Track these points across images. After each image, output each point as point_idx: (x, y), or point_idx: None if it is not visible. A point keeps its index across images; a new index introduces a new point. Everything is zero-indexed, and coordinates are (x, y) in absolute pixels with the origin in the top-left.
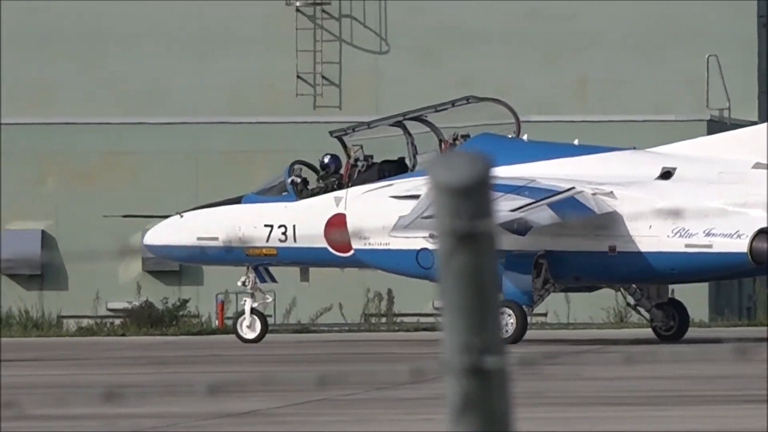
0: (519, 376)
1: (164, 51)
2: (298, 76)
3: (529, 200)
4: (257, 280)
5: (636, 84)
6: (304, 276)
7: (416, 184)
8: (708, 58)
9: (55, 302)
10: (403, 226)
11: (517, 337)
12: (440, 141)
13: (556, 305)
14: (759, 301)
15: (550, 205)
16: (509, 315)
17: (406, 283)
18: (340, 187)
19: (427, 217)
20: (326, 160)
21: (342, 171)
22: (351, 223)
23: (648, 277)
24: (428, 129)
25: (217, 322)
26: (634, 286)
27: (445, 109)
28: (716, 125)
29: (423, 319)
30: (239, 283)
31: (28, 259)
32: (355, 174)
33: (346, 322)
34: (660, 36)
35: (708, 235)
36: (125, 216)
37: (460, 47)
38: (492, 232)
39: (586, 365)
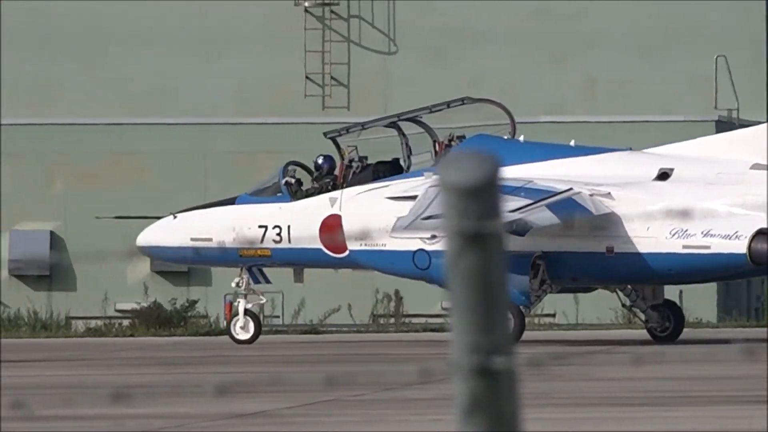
0: (527, 376)
1: (172, 51)
2: (307, 77)
3: (528, 201)
4: (251, 281)
5: (644, 84)
6: (298, 277)
7: (412, 185)
8: (716, 59)
9: (64, 303)
10: (402, 227)
11: (515, 338)
12: (434, 142)
13: (564, 306)
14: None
15: (549, 206)
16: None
17: (414, 284)
18: (335, 188)
19: (426, 218)
20: (320, 161)
21: (336, 172)
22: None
23: (646, 278)
24: (422, 130)
25: (225, 322)
26: (629, 287)
27: (440, 110)
28: (725, 126)
29: (431, 320)
30: (233, 284)
31: (37, 259)
32: (350, 175)
33: (355, 323)
34: (668, 36)
35: (706, 235)
36: (117, 217)
37: (468, 48)
38: (500, 233)
39: (593, 366)
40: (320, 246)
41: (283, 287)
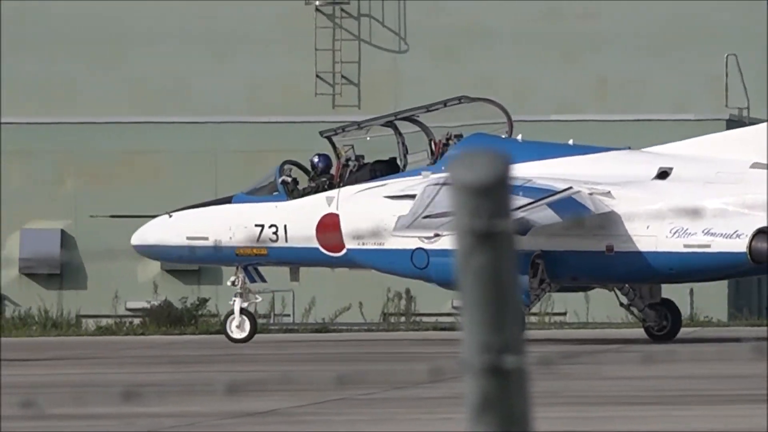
0: (537, 375)
1: (183, 50)
2: (317, 76)
3: (529, 200)
4: (247, 280)
5: (655, 83)
6: (294, 276)
7: (410, 184)
8: (727, 58)
9: (75, 301)
10: (405, 225)
11: None
12: (430, 141)
13: (575, 304)
14: None
15: (549, 205)
16: None
17: (425, 283)
18: (332, 187)
19: (427, 217)
20: (316, 160)
21: (333, 171)
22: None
23: (646, 277)
24: (418, 129)
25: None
26: (627, 285)
27: (437, 109)
28: (735, 124)
29: (442, 319)
30: (229, 283)
31: (48, 258)
32: (347, 174)
33: (366, 322)
34: (678, 35)
35: (707, 234)
36: (113, 216)
37: (479, 47)
38: (511, 232)
39: (604, 365)
40: (317, 245)
41: (293, 286)
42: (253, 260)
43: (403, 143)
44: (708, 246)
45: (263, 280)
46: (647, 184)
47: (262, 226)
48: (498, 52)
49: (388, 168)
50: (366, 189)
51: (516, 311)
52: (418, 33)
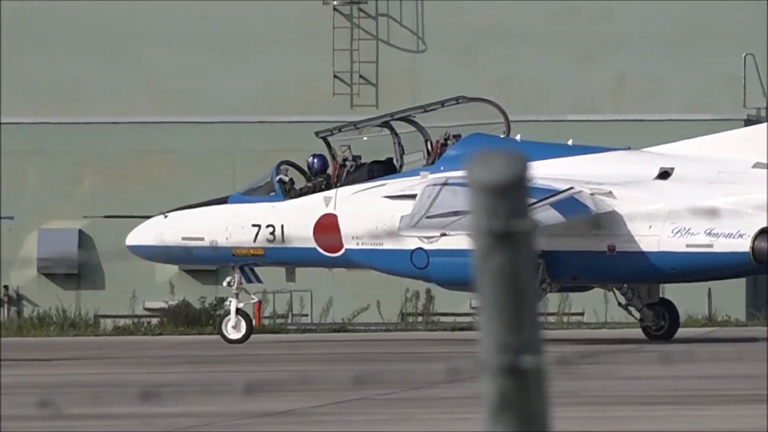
0: (555, 375)
1: (201, 50)
2: (335, 76)
3: (532, 200)
4: (243, 281)
5: (673, 83)
6: (290, 276)
7: (409, 184)
8: (745, 57)
9: (92, 301)
10: (410, 225)
11: None
12: (426, 141)
13: (594, 304)
14: None
15: (551, 205)
16: None
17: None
18: (329, 187)
19: (431, 216)
20: (313, 160)
21: (329, 171)
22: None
23: (648, 277)
24: (414, 129)
25: (254, 321)
26: (625, 286)
27: (435, 109)
28: (753, 124)
29: (460, 319)
30: (224, 284)
31: (66, 258)
32: (344, 174)
33: (383, 322)
34: (696, 34)
35: (709, 234)
36: (107, 216)
37: (496, 46)
38: (529, 232)
39: (622, 364)
40: (314, 245)
41: (311, 286)
42: (249, 260)
43: (400, 143)
44: (710, 246)
45: (259, 280)
46: (649, 185)
47: (259, 226)
48: (515, 52)
49: (385, 168)
50: (364, 189)
51: (533, 311)
52: (436, 33)
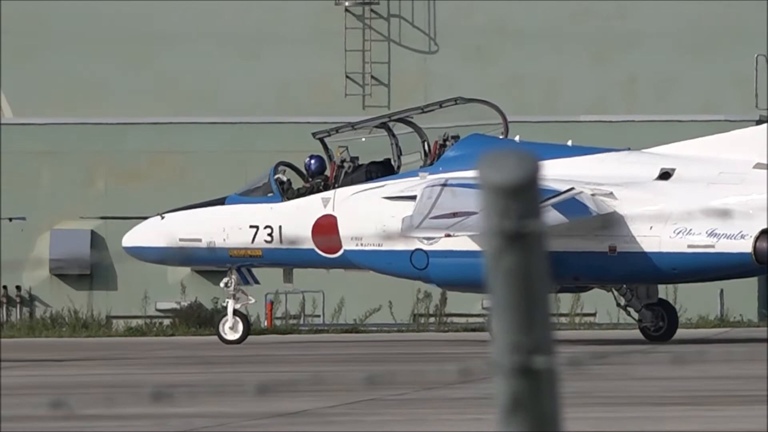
0: (567, 376)
1: (213, 50)
2: (347, 76)
3: None
4: (240, 282)
5: (685, 83)
6: (288, 277)
7: (409, 185)
8: (757, 58)
9: (105, 302)
10: (413, 226)
11: None
12: (423, 142)
13: (606, 305)
14: None
15: (553, 206)
16: None
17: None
18: (327, 188)
19: (435, 217)
20: (311, 161)
21: (327, 172)
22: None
23: (649, 277)
24: (411, 130)
25: (266, 322)
26: (624, 286)
27: (432, 110)
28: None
29: (472, 320)
30: (221, 284)
31: (78, 258)
32: (342, 175)
33: (396, 322)
34: (709, 35)
35: (711, 235)
36: (103, 218)
37: (509, 47)
38: (541, 232)
39: (634, 365)
40: (312, 246)
41: (323, 287)
42: (247, 262)
43: (397, 144)
44: (712, 246)
45: (256, 281)
46: (651, 185)
47: (257, 227)
48: (528, 52)
49: (383, 169)
50: (363, 190)
51: (546, 312)
52: (448, 33)
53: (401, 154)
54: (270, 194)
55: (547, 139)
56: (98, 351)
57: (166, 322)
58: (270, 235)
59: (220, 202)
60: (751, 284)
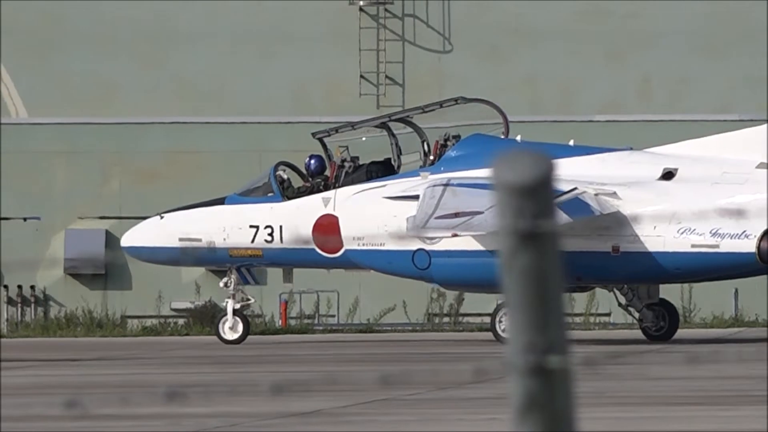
0: (582, 375)
1: (228, 50)
2: (362, 76)
3: None
4: (240, 282)
5: (700, 83)
6: (288, 277)
7: (410, 185)
8: None
9: (119, 302)
10: (419, 226)
11: None
12: (423, 142)
13: None
14: None
15: (556, 206)
16: None
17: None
18: (327, 188)
19: (438, 217)
20: (311, 161)
21: (327, 172)
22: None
23: (653, 277)
24: (411, 130)
25: (280, 321)
26: (626, 286)
27: (433, 110)
28: None
29: (486, 319)
30: (221, 284)
31: (92, 258)
32: (342, 175)
33: (410, 322)
34: (724, 35)
35: (714, 235)
36: (102, 218)
37: (523, 46)
38: (555, 232)
39: (649, 365)
40: (313, 246)
41: (338, 286)
42: (247, 261)
43: (397, 144)
44: (716, 246)
45: (256, 281)
46: (654, 185)
47: (257, 227)
48: (542, 51)
49: (383, 169)
50: (364, 190)
51: (560, 312)
52: (463, 33)
53: (401, 153)
54: (270, 194)
55: (562, 139)
56: (113, 351)
57: (181, 321)
58: (270, 234)
59: (220, 201)
60: (765, 284)
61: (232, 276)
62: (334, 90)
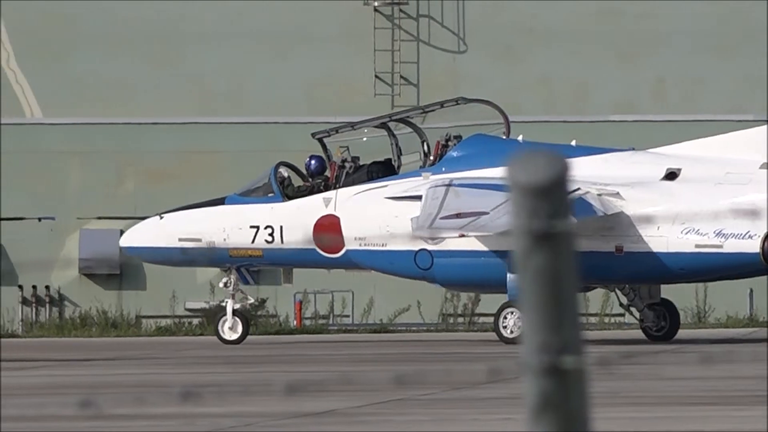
0: (596, 375)
1: (242, 50)
2: (376, 76)
3: None
4: (239, 282)
5: (714, 83)
6: (288, 277)
7: (413, 185)
8: None
9: (134, 302)
10: (424, 226)
11: None
12: (423, 142)
13: None
14: None
15: None
16: (516, 314)
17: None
18: (327, 188)
19: (445, 217)
20: (311, 161)
21: (328, 172)
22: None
23: (656, 277)
24: (411, 130)
25: (295, 321)
26: (627, 286)
27: (434, 110)
28: None
29: None
30: (221, 285)
31: (107, 258)
32: (343, 175)
33: (424, 322)
34: (738, 34)
35: (718, 235)
36: (99, 218)
37: (538, 47)
38: (570, 232)
39: (663, 365)
40: (313, 246)
41: (353, 287)
42: (248, 262)
43: (397, 144)
44: (720, 246)
45: (256, 281)
46: (658, 185)
47: (258, 227)
48: (557, 52)
49: (384, 169)
50: (366, 190)
51: (574, 312)
52: (477, 33)
53: (401, 154)
54: (270, 194)
55: (576, 139)
56: (127, 351)
57: (195, 321)
58: (271, 235)
59: (220, 202)
60: None
61: (232, 276)
62: (348, 90)
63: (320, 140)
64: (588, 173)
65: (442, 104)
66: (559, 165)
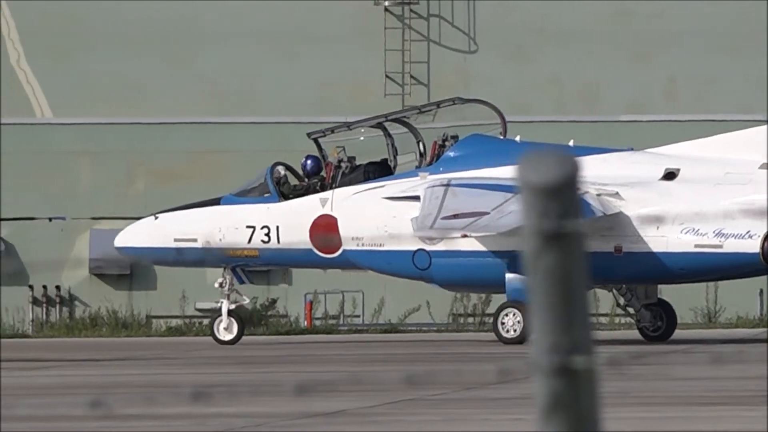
0: (606, 376)
1: (253, 50)
2: (387, 76)
3: None
4: (235, 282)
5: (726, 83)
6: (285, 278)
7: (410, 185)
8: None
9: (144, 302)
10: (426, 227)
11: (524, 338)
12: (419, 142)
13: None
14: None
15: None
16: (515, 315)
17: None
18: (323, 188)
19: (446, 217)
20: (308, 161)
21: (324, 173)
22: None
23: (655, 277)
24: (407, 130)
25: (305, 322)
26: (624, 286)
27: (430, 110)
28: None
29: None
30: (216, 285)
31: (117, 258)
32: (339, 175)
33: (434, 322)
34: (749, 34)
35: (718, 235)
36: (94, 218)
37: (548, 46)
38: (580, 232)
39: (673, 365)
40: (310, 246)
41: (363, 287)
42: (243, 262)
43: (393, 145)
44: (720, 246)
45: (251, 281)
46: (657, 185)
47: (254, 227)
48: (567, 51)
49: (380, 169)
50: (363, 190)
51: (585, 312)
52: (488, 33)
53: (397, 154)
54: (267, 194)
55: (588, 139)
56: (137, 351)
57: (205, 321)
58: (267, 235)
59: (215, 202)
60: None
61: (227, 276)
62: (359, 90)
63: (315, 140)
64: (587, 173)
65: (438, 104)
66: (569, 165)
